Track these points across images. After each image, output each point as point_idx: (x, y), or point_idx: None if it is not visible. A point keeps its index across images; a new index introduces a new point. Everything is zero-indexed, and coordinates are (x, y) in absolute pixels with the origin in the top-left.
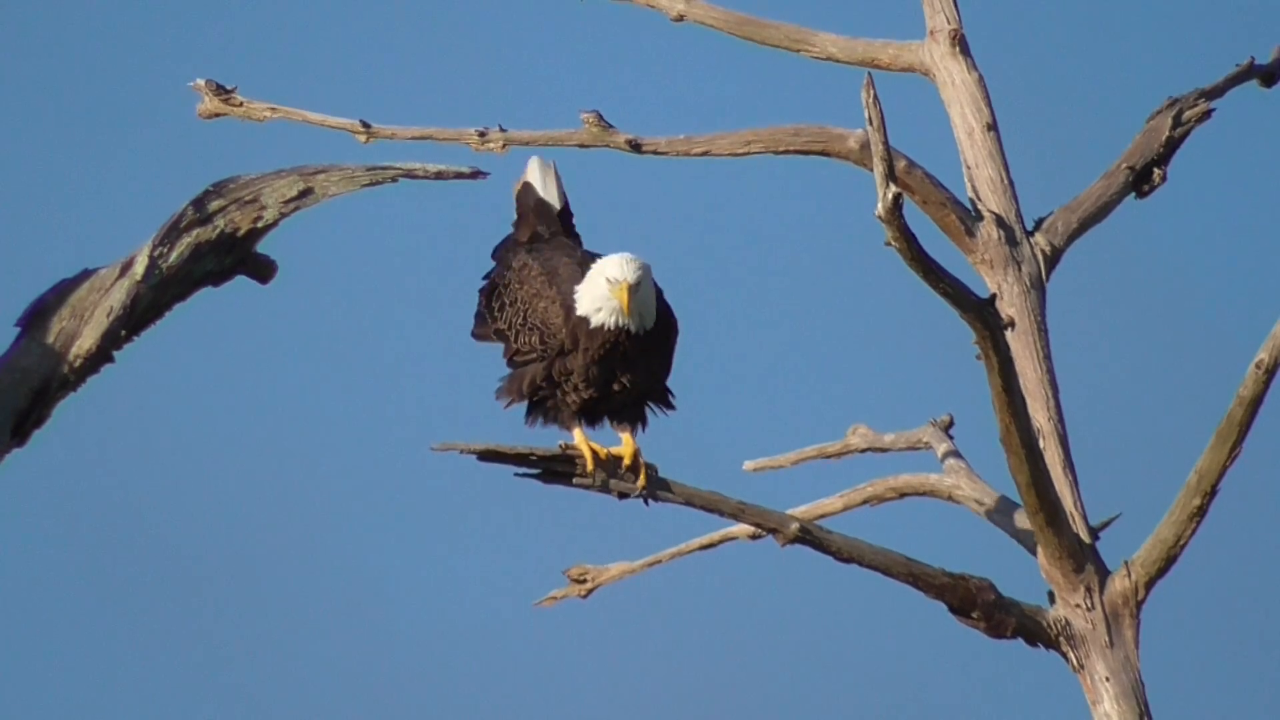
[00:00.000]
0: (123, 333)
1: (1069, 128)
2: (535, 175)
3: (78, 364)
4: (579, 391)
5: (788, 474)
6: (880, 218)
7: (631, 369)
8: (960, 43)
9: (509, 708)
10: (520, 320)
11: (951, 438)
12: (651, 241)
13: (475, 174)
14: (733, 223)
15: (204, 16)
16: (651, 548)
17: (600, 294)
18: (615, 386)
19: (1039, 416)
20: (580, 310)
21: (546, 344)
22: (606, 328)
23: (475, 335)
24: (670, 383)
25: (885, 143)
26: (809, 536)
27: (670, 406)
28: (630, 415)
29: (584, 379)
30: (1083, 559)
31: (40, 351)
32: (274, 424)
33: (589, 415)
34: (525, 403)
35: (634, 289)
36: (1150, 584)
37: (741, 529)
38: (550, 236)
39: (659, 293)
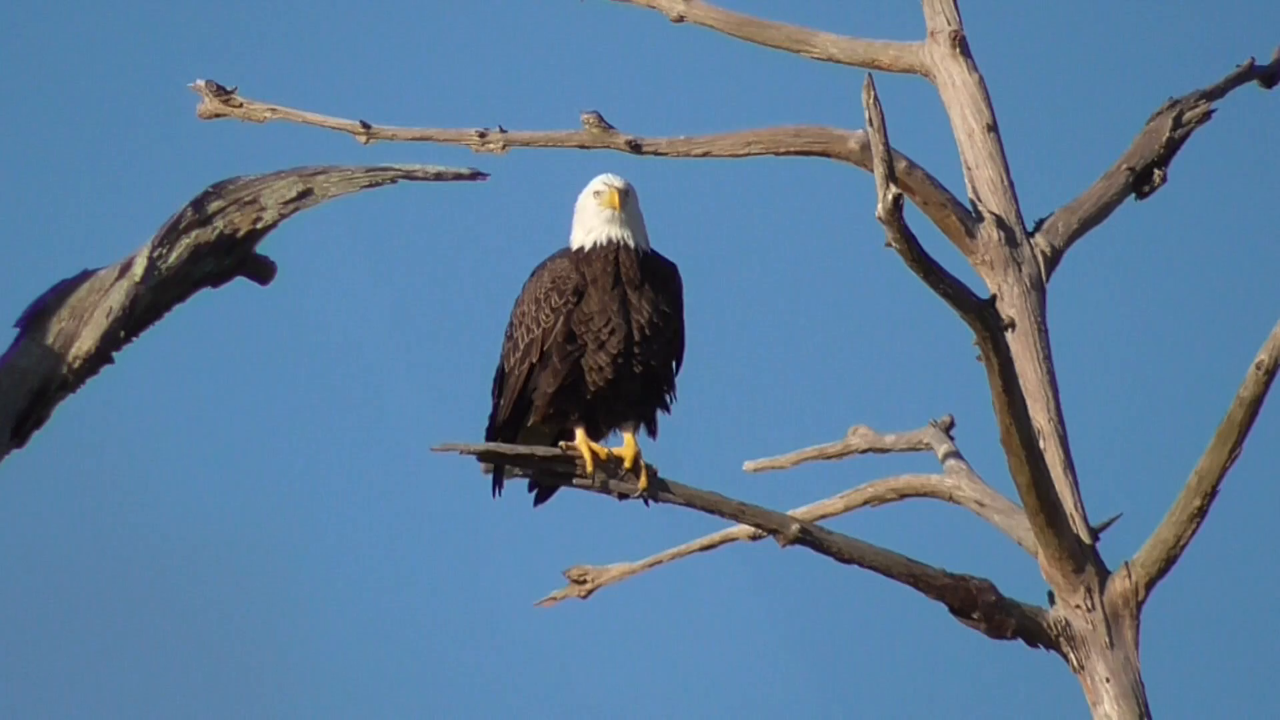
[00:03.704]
0: (122, 334)
1: (1069, 129)
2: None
3: (77, 365)
4: (604, 340)
5: (788, 475)
6: (881, 219)
7: (644, 298)
8: (961, 44)
9: (509, 708)
10: (533, 307)
11: (952, 438)
12: (653, 242)
13: (475, 175)
14: (733, 224)
15: (204, 17)
16: (652, 548)
17: (590, 218)
18: (638, 321)
19: (1039, 417)
20: (576, 245)
21: (563, 294)
22: (599, 244)
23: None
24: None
25: (886, 144)
26: (809, 537)
27: (666, 408)
28: (635, 414)
29: (605, 322)
30: (1083, 560)
31: (39, 352)
32: (273, 425)
33: (599, 411)
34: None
35: (626, 191)
36: (1150, 585)
37: (742, 530)
38: None
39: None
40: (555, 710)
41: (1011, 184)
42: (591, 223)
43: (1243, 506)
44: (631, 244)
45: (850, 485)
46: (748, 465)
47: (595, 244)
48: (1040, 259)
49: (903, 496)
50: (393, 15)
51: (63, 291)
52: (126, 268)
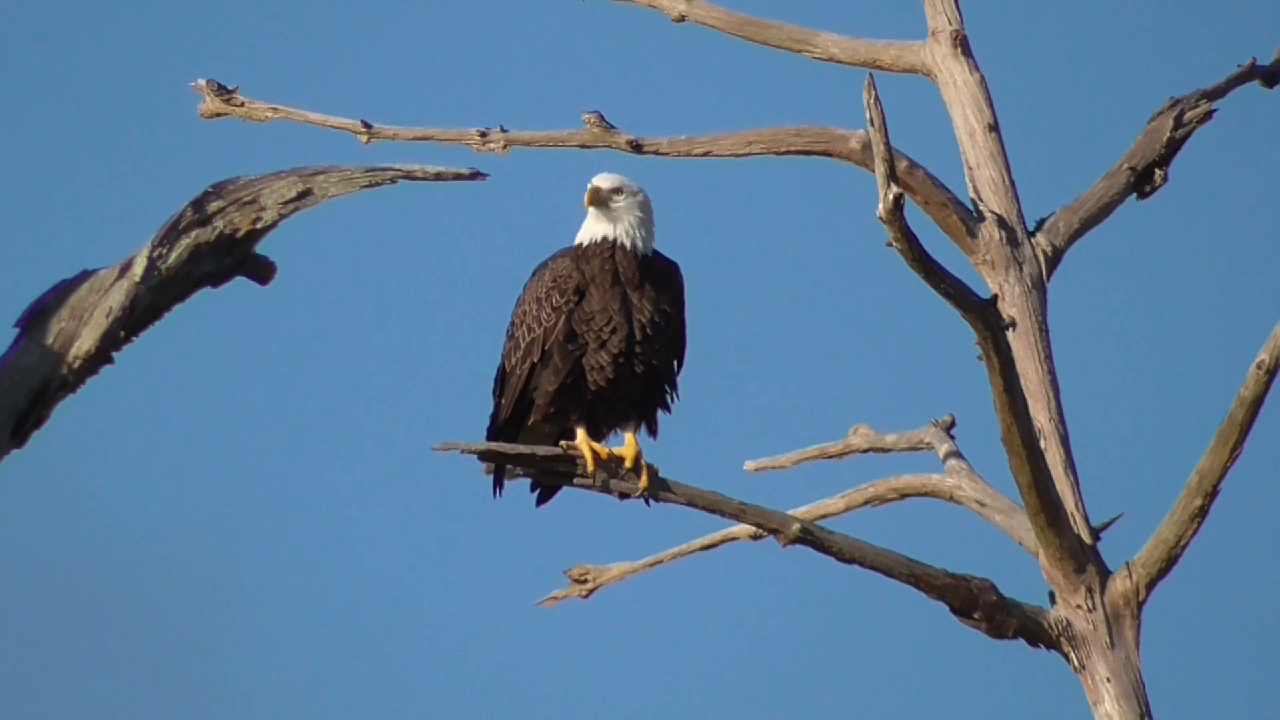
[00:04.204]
0: (122, 334)
1: (1070, 128)
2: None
3: (77, 365)
4: (605, 340)
5: (789, 474)
6: (882, 218)
7: (645, 297)
8: (962, 43)
9: (510, 707)
10: (534, 306)
11: (953, 438)
12: (654, 241)
13: (475, 175)
14: (734, 223)
15: (205, 17)
16: (653, 548)
17: (589, 219)
18: (639, 321)
19: (1040, 417)
20: (577, 242)
21: (564, 293)
22: (594, 241)
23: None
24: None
25: (887, 143)
26: (810, 537)
27: (667, 407)
28: (636, 414)
29: (607, 321)
30: (1084, 560)
31: (39, 352)
32: (274, 425)
33: (600, 410)
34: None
35: (599, 189)
36: (1151, 585)
37: (743, 529)
38: None
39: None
40: (555, 710)
41: (1013, 183)
42: (589, 221)
43: (1244, 506)
44: (628, 243)
45: (851, 485)
46: (749, 465)
47: (591, 241)
48: (1041, 258)
49: (904, 496)
50: (394, 15)
51: (63, 291)
52: (126, 268)
